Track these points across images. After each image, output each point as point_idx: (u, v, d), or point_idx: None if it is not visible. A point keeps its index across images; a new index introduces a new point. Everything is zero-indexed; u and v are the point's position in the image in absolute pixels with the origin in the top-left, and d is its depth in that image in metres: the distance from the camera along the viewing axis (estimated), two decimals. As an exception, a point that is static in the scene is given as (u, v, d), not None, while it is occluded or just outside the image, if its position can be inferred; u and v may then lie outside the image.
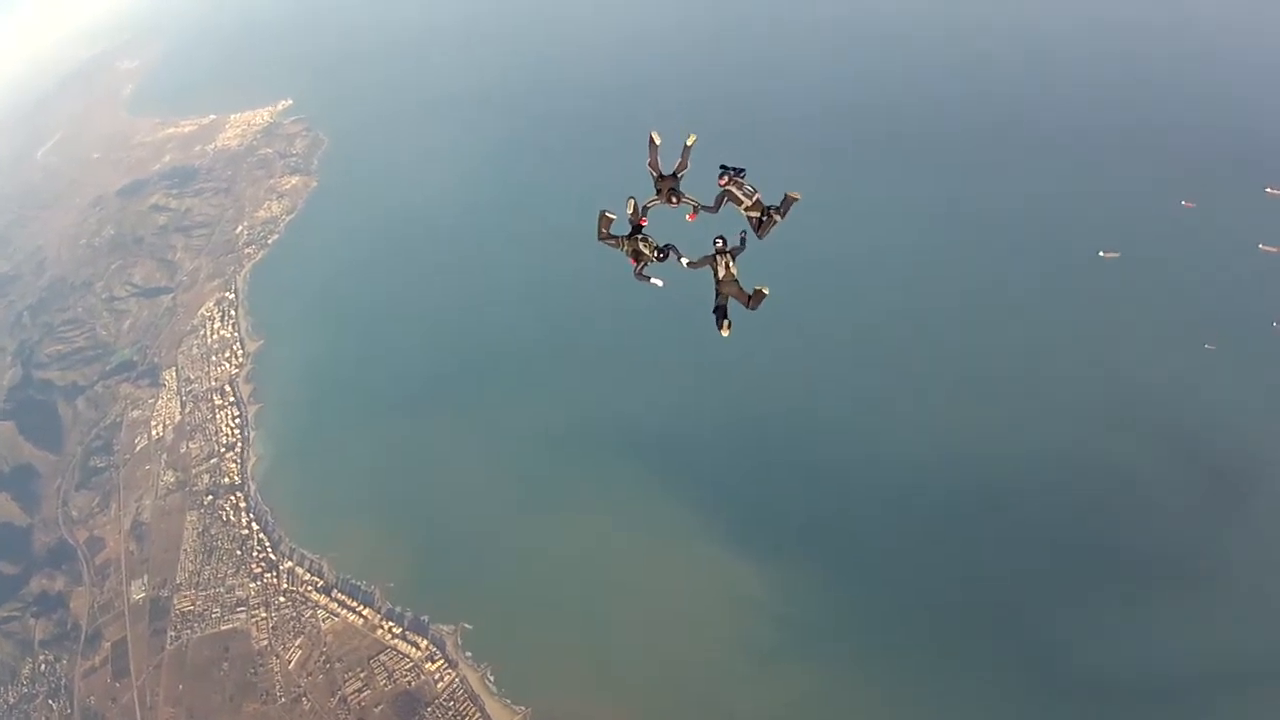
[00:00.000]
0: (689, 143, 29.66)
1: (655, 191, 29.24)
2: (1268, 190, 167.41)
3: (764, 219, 28.60)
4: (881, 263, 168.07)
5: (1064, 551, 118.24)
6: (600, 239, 29.57)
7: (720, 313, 27.81)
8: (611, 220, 29.26)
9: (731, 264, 28.01)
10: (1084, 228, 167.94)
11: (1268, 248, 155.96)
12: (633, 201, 29.17)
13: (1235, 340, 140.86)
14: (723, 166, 28.94)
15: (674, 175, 29.31)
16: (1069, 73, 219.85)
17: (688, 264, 28.46)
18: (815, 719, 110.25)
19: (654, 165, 29.68)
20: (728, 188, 28.70)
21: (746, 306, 27.94)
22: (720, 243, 28.26)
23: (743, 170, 29.18)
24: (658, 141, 29.54)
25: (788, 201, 28.37)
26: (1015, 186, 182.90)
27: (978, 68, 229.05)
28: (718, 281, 28.07)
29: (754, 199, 28.59)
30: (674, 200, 28.93)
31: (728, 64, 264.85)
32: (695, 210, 29.05)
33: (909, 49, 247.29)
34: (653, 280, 28.87)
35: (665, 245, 28.74)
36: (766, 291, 27.47)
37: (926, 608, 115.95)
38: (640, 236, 29.08)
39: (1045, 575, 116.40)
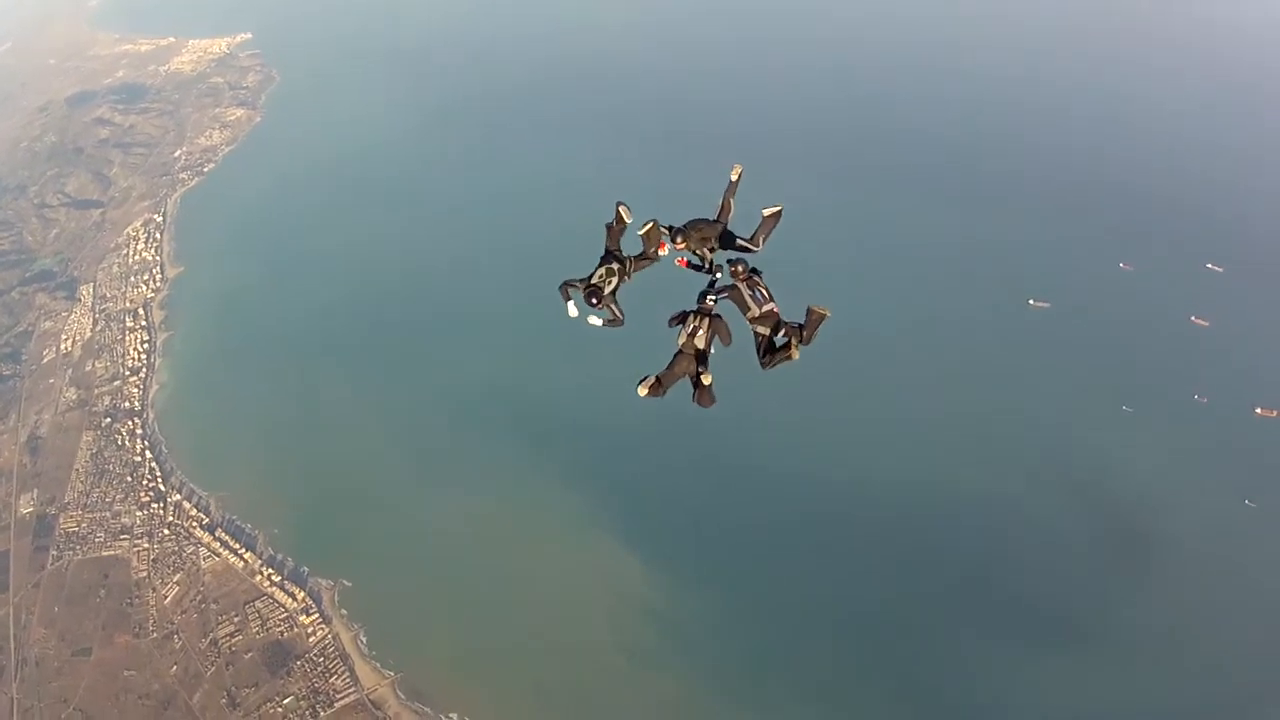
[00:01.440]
0: (734, 177, 23.91)
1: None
2: (1208, 265, 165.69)
3: (772, 342, 22.22)
4: (813, 278, 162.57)
5: (960, 593, 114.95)
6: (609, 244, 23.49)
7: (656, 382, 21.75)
8: (624, 226, 23.35)
9: (702, 335, 21.97)
10: (1018, 274, 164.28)
11: (1199, 320, 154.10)
12: (625, 209, 23.05)
13: (1154, 406, 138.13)
14: (736, 261, 22.64)
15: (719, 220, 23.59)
16: (1036, 124, 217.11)
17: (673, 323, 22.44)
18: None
19: (727, 208, 23.96)
20: (736, 282, 22.48)
21: (693, 396, 22.05)
22: (709, 302, 22.34)
23: (757, 272, 22.90)
24: (734, 179, 23.91)
25: (814, 320, 21.73)
26: (956, 221, 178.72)
27: (945, 106, 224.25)
28: (678, 350, 22.13)
29: (765, 310, 22.11)
30: (681, 241, 23.00)
31: (710, 59, 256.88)
32: (697, 265, 23.58)
33: (881, 74, 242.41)
34: (591, 318, 23.21)
35: (606, 293, 22.76)
36: (710, 400, 21.81)
37: (811, 632, 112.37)
38: (622, 268, 23.28)
39: (937, 616, 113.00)
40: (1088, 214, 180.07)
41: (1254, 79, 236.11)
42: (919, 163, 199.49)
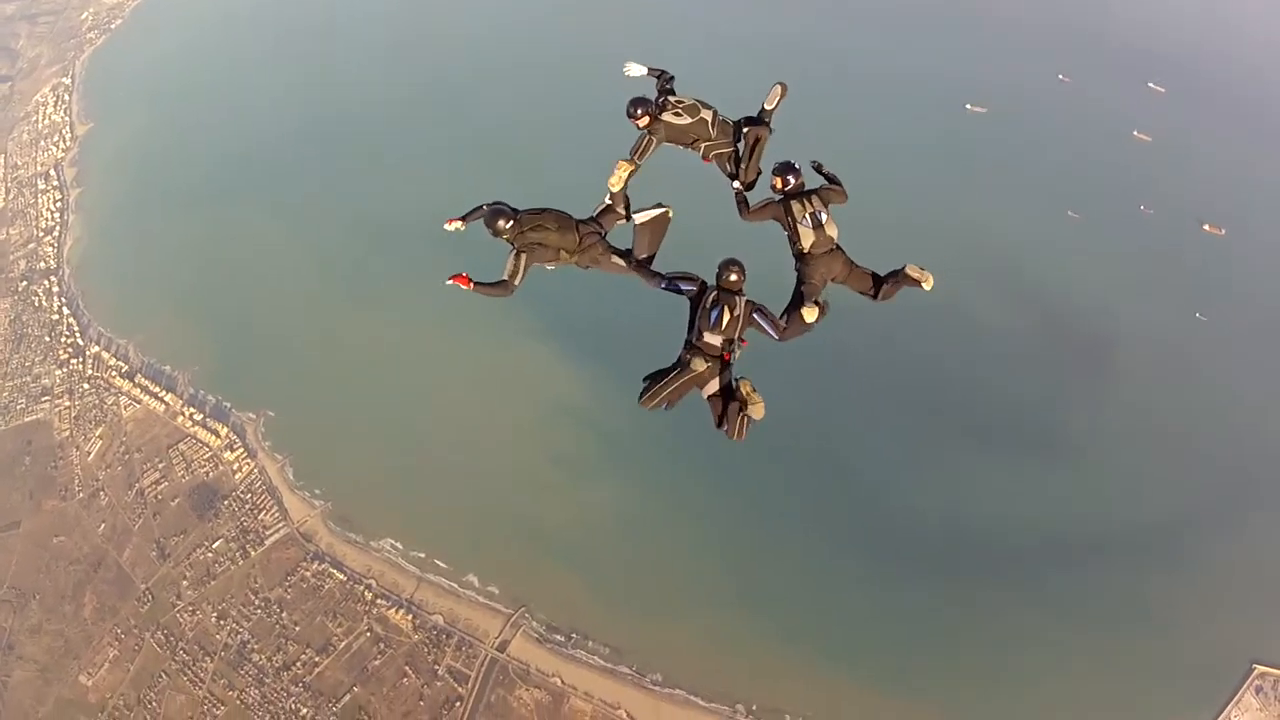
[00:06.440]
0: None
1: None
2: (1149, 84, 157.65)
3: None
4: (748, 93, 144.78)
5: (908, 402, 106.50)
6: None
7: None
8: None
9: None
10: (954, 79, 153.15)
11: (1141, 135, 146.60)
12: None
13: (1100, 214, 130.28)
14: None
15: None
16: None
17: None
18: (619, 537, 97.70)
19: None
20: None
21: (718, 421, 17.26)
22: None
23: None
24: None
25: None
26: (888, 28, 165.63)
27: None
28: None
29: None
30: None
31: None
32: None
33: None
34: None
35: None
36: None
37: (749, 442, 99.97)
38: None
39: (885, 426, 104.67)
40: (1021, 25, 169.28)
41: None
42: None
